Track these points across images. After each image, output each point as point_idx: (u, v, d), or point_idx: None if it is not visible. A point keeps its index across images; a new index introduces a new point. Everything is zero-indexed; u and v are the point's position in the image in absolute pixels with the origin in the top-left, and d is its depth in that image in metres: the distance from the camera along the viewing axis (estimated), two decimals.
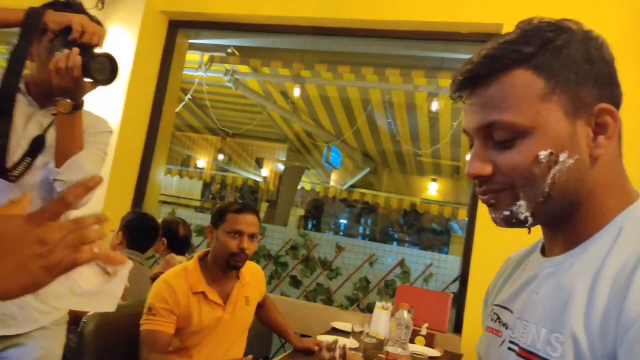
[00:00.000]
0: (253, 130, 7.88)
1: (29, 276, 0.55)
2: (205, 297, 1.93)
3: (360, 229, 13.75)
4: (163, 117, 3.37)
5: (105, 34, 1.37)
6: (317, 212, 12.63)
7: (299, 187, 10.18)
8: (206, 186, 12.13)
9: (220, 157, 9.96)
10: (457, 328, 2.79)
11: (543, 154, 0.64)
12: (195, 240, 3.71)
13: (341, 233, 13.29)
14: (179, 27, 3.40)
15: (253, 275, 2.17)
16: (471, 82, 0.68)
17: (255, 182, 10.82)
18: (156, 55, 3.32)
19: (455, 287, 2.99)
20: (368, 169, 9.52)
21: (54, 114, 1.34)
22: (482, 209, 2.57)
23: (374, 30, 3.02)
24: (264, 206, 10.93)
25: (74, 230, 0.57)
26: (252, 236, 1.98)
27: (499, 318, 0.77)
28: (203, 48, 4.37)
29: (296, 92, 5.17)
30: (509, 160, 0.66)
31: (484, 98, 0.67)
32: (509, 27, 0.77)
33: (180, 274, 1.94)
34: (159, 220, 2.79)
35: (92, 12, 1.43)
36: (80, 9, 1.37)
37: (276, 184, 10.71)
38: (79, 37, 1.25)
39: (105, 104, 2.79)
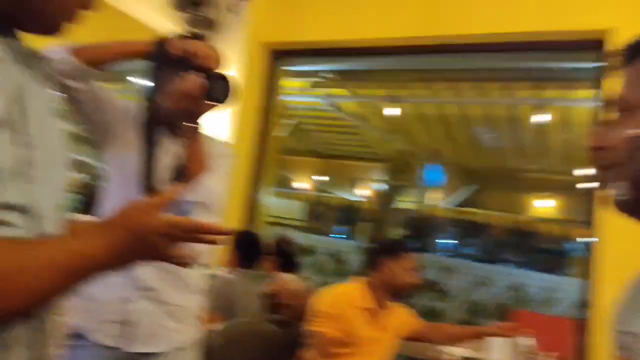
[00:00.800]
0: (351, 151, 7.99)
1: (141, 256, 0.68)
2: (369, 315, 2.13)
3: (468, 250, 13.24)
4: (267, 142, 3.55)
5: (221, 58, 1.42)
6: (418, 232, 12.38)
7: (397, 206, 10.10)
8: (310, 207, 12.46)
9: (321, 178, 10.19)
10: (581, 357, 2.57)
11: None
12: (304, 260, 3.83)
13: (446, 253, 12.90)
14: (279, 56, 3.58)
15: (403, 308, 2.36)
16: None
17: (355, 202, 10.90)
18: (259, 83, 3.53)
19: (576, 311, 2.77)
20: (472, 187, 9.20)
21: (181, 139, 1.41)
22: (608, 226, 2.39)
23: (472, 45, 2.97)
24: (363, 227, 10.96)
25: (191, 231, 0.68)
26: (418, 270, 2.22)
27: (627, 345, 0.72)
28: (303, 74, 4.55)
29: (392, 111, 5.19)
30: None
31: None
32: (621, 32, 0.76)
33: (352, 288, 2.18)
34: (271, 241, 2.93)
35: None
36: (200, 38, 1.49)
37: (375, 204, 10.72)
38: (198, 62, 1.32)
39: (213, 132, 3.00)
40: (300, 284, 2.74)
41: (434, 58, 3.44)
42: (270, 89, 3.58)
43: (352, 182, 10.88)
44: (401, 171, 8.96)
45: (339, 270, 3.90)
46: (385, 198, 9.86)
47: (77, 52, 1.31)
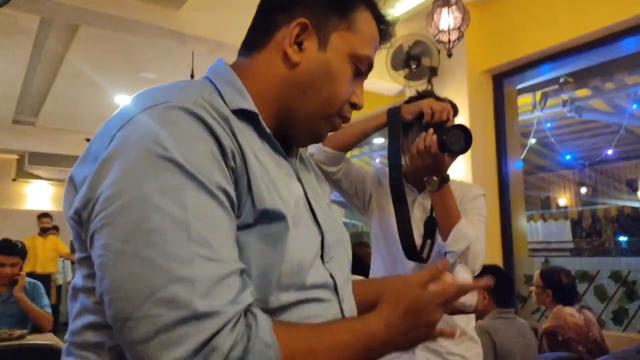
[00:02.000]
0: (614, 153, 6.97)
1: (420, 341, 0.72)
2: None
3: None
4: (510, 165, 3.40)
5: (452, 109, 1.45)
6: None
7: None
8: (575, 225, 11.12)
9: (583, 190, 9.09)
10: None
11: None
12: (580, 287, 3.42)
13: None
14: (503, 78, 3.46)
15: None
16: None
17: (634, 208, 9.33)
18: (489, 110, 3.44)
19: None
20: None
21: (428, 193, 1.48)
22: None
23: None
24: None
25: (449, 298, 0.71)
26: None
27: None
28: (533, 88, 4.27)
29: None
30: None
31: None
32: None
33: None
34: (536, 272, 2.73)
35: (424, 87, 1.60)
36: (428, 94, 1.54)
37: None
38: (430, 118, 1.39)
39: (458, 176, 3.02)
40: (585, 315, 2.45)
41: None
42: (501, 113, 3.46)
43: (626, 186, 9.39)
44: None
45: (627, 295, 3.34)
46: None
47: (327, 141, 1.49)
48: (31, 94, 5.45)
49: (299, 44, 0.74)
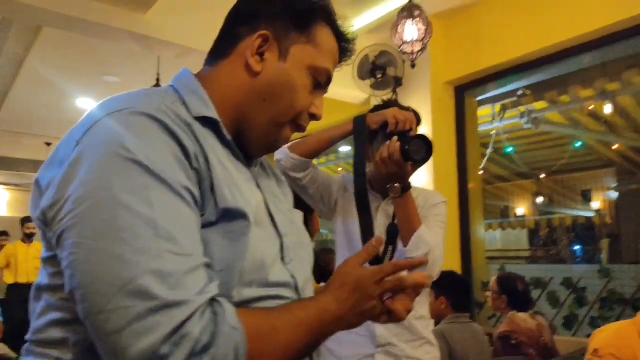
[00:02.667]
0: (569, 164, 7.25)
1: (366, 317, 0.75)
2: None
3: None
4: (469, 175, 3.51)
5: (415, 119, 1.50)
6: None
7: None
8: (533, 234, 11.49)
9: (539, 200, 9.40)
10: None
11: None
12: (534, 293, 3.55)
13: None
14: (465, 90, 3.57)
15: None
16: None
17: (587, 218, 9.71)
18: (450, 120, 3.55)
19: None
20: None
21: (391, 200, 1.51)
22: None
23: None
24: (604, 243, 9.62)
25: (394, 277, 0.75)
26: None
27: None
28: (492, 100, 4.42)
29: (607, 109, 4.63)
30: None
31: None
32: None
33: (630, 326, 1.91)
34: (493, 278, 2.81)
35: (389, 96, 1.64)
36: (393, 104, 1.59)
37: (613, 215, 9.36)
38: (394, 128, 1.44)
39: (417, 182, 3.09)
40: (538, 321, 2.54)
41: None
42: (462, 123, 3.56)
43: (580, 196, 9.76)
44: (633, 173, 7.74)
45: (577, 301, 3.48)
46: (625, 206, 8.57)
47: (293, 148, 1.54)
48: None
49: (261, 55, 0.79)
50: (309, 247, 0.90)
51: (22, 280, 5.88)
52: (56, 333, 0.66)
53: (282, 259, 0.78)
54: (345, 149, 6.50)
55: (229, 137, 0.77)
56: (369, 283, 0.73)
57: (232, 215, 0.69)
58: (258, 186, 0.82)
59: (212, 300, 0.61)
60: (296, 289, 0.79)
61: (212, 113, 0.75)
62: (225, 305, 0.62)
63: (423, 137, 1.38)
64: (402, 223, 1.44)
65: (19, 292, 5.62)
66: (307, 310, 0.70)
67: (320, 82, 0.83)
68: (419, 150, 1.37)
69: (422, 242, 1.40)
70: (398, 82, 3.41)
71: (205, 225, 0.67)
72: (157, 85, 3.85)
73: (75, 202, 0.59)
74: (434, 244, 1.42)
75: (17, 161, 7.03)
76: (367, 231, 1.36)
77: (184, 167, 0.65)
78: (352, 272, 0.75)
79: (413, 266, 0.77)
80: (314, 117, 0.85)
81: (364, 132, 1.46)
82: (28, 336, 0.70)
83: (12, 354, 2.69)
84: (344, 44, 0.86)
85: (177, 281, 0.57)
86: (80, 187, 0.60)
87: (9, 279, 5.99)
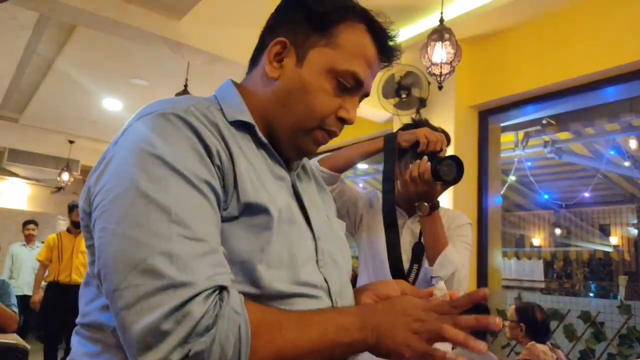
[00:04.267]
0: (590, 197, 7.14)
1: (407, 345, 0.67)
2: None
3: None
4: (489, 201, 3.47)
5: (446, 140, 1.49)
6: None
7: None
8: (548, 265, 11.29)
9: (558, 231, 9.25)
10: None
11: None
12: (551, 324, 3.46)
13: None
14: (489, 115, 3.56)
15: None
16: None
17: (605, 253, 9.52)
18: (473, 144, 3.53)
19: None
20: None
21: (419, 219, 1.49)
22: None
23: None
24: (622, 280, 9.41)
25: (443, 314, 0.68)
26: None
27: None
28: (516, 127, 4.39)
29: (632, 144, 4.56)
30: None
31: None
32: None
33: None
34: (512, 306, 2.76)
35: (413, 116, 1.63)
36: (423, 124, 1.58)
37: (632, 253, 9.17)
38: (425, 147, 1.43)
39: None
40: (557, 354, 2.49)
41: None
42: (484, 148, 3.54)
43: (599, 231, 9.59)
44: None
45: (595, 336, 3.39)
46: None
47: (323, 161, 1.53)
48: (19, 91, 5.39)
49: (280, 61, 0.80)
50: (347, 256, 0.89)
51: (64, 279, 4.66)
52: (101, 317, 0.70)
53: (317, 261, 0.78)
54: (364, 166, 6.49)
55: (263, 139, 0.79)
56: (411, 309, 0.69)
57: (253, 210, 0.70)
58: (294, 188, 0.83)
59: (222, 289, 0.62)
60: (329, 293, 0.78)
61: (247, 117, 0.78)
62: (232, 292, 0.63)
63: (454, 158, 1.37)
64: (429, 242, 1.43)
65: (56, 293, 4.62)
66: (323, 313, 0.69)
67: (347, 85, 0.80)
68: (449, 171, 1.36)
69: (448, 262, 1.39)
70: (422, 102, 3.41)
71: (228, 220, 0.69)
72: (185, 90, 3.90)
73: (104, 193, 0.65)
74: (460, 264, 1.40)
75: (39, 157, 7.15)
76: (393, 250, 1.35)
77: (204, 162, 0.67)
78: (395, 301, 0.72)
79: (471, 303, 0.69)
80: (344, 121, 0.82)
81: (394, 149, 1.45)
82: (78, 319, 0.75)
83: (26, 345, 2.71)
84: (383, 42, 0.82)
85: (185, 263, 0.60)
86: (109, 180, 0.66)
87: (49, 275, 4.77)
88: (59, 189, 7.55)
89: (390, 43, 0.83)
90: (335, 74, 0.79)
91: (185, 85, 3.94)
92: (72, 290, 4.41)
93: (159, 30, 3.01)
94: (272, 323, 0.64)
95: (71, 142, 7.01)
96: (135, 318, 0.58)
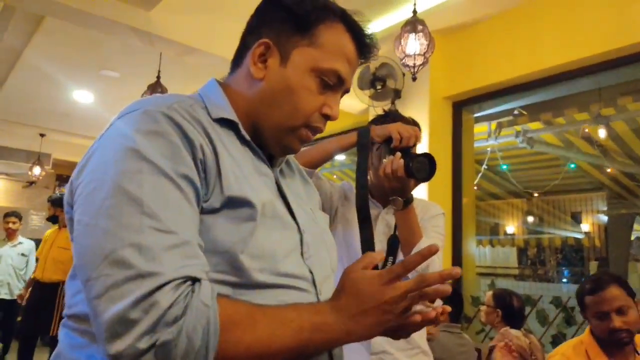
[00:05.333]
0: (561, 185, 7.31)
1: (379, 328, 0.70)
2: None
3: None
4: (463, 190, 3.52)
5: (420, 133, 1.50)
6: None
7: (632, 237, 8.72)
8: (521, 252, 11.54)
9: (530, 219, 9.45)
10: None
11: None
12: None
13: None
14: (462, 106, 3.60)
15: None
16: None
17: (577, 239, 9.77)
18: (446, 135, 3.57)
19: None
20: None
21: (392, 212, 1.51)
22: None
23: None
24: (593, 265, 9.69)
25: (416, 289, 0.70)
26: (620, 312, 1.74)
27: None
28: (489, 118, 4.45)
29: (601, 133, 4.68)
30: None
31: None
32: None
33: (578, 347, 1.85)
34: (489, 292, 2.82)
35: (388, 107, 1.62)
36: (396, 116, 1.59)
37: (602, 239, 9.43)
38: (399, 143, 1.43)
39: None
40: (530, 339, 2.55)
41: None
42: (458, 139, 3.59)
43: (571, 218, 9.83)
44: (628, 197, 7.82)
45: (566, 320, 3.50)
46: (613, 230, 8.64)
47: (298, 158, 1.48)
48: None
49: (264, 62, 0.82)
50: (332, 247, 0.92)
51: (38, 275, 4.47)
52: (83, 309, 0.71)
53: (302, 253, 0.80)
54: (340, 157, 6.51)
55: (247, 136, 0.81)
56: (373, 288, 0.69)
57: (237, 203, 0.72)
58: (277, 184, 0.85)
59: (194, 280, 0.63)
60: (314, 283, 0.80)
61: (230, 114, 0.80)
62: (203, 284, 0.63)
63: (427, 156, 1.38)
64: (403, 235, 1.44)
65: (34, 290, 4.48)
66: (299, 311, 0.69)
67: (329, 82, 0.83)
68: (422, 168, 1.36)
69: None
70: (397, 94, 3.43)
71: (210, 211, 0.70)
72: (158, 82, 3.84)
73: (84, 187, 0.68)
74: (434, 256, 1.42)
75: (10, 151, 6.97)
76: (367, 245, 1.35)
77: (183, 156, 0.68)
78: (353, 275, 0.72)
79: (442, 278, 0.72)
80: (328, 117, 0.85)
81: (367, 145, 1.45)
82: (64, 311, 0.77)
83: None
84: (361, 40, 0.86)
85: (154, 255, 0.61)
86: (89, 174, 0.68)
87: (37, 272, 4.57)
88: (31, 183, 7.38)
89: (368, 40, 0.87)
90: (319, 73, 0.82)
91: (158, 77, 3.87)
92: (46, 287, 4.33)
93: (128, 21, 2.96)
94: (243, 319, 0.64)
95: (42, 135, 6.85)
96: (104, 307, 0.59)
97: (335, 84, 0.84)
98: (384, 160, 1.41)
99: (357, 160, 1.43)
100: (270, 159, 0.87)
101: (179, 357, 0.59)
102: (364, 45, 0.86)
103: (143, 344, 0.58)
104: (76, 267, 0.65)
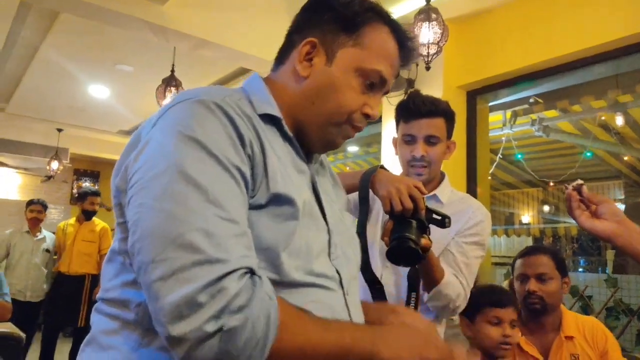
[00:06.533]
0: (577, 174, 7.22)
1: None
2: (521, 350, 1.78)
3: None
4: (478, 180, 3.50)
5: (416, 192, 1.23)
6: None
7: None
8: (537, 241, 11.43)
9: (546, 208, 9.36)
10: None
11: None
12: None
13: None
14: (477, 95, 3.57)
15: (585, 329, 1.83)
16: None
17: None
18: (461, 124, 3.55)
19: None
20: None
21: None
22: None
23: None
24: (610, 254, 9.57)
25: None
26: (540, 278, 1.78)
27: None
28: (504, 106, 4.41)
29: (618, 120, 4.61)
30: None
31: None
32: None
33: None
34: (505, 282, 2.81)
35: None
36: (416, 99, 1.62)
37: None
38: (389, 209, 1.23)
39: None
40: None
41: None
42: (473, 128, 3.56)
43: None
44: None
45: (583, 309, 3.48)
46: (629, 218, 8.50)
47: None
48: (4, 79, 5.31)
49: (310, 60, 0.85)
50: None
51: (64, 269, 4.52)
52: (124, 293, 0.73)
53: (329, 254, 0.82)
54: (353, 148, 6.51)
55: (290, 133, 0.84)
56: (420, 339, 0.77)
57: (281, 200, 0.74)
58: (313, 181, 0.87)
59: (252, 272, 0.65)
60: (340, 283, 0.82)
61: (274, 111, 0.82)
62: (264, 278, 0.66)
63: (401, 240, 1.17)
64: (423, 275, 1.38)
65: (59, 284, 4.55)
66: (341, 324, 0.73)
67: (373, 83, 0.86)
68: (398, 255, 1.20)
69: (442, 296, 1.39)
70: (411, 83, 3.42)
71: (255, 207, 0.72)
72: (172, 75, 3.87)
73: (143, 172, 0.68)
74: (455, 296, 1.39)
75: (28, 146, 7.07)
76: (365, 251, 1.27)
77: (237, 150, 0.70)
78: (418, 323, 0.81)
79: None
80: (368, 117, 0.88)
81: (366, 198, 1.35)
82: (99, 295, 0.78)
83: (20, 333, 2.73)
84: (404, 44, 0.89)
85: (221, 242, 0.63)
86: (149, 159, 0.69)
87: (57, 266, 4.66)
88: (49, 177, 7.49)
89: (410, 45, 0.90)
90: (362, 73, 0.84)
91: (172, 71, 3.90)
92: (72, 280, 4.47)
93: (143, 15, 2.98)
94: (297, 320, 0.67)
95: (59, 130, 6.94)
96: (169, 289, 0.60)
97: (377, 85, 0.87)
98: (384, 223, 1.28)
99: (358, 215, 1.34)
100: (307, 157, 0.89)
101: (241, 344, 0.60)
102: (407, 49, 0.89)
103: (210, 327, 0.59)
104: (135, 250, 0.65)
